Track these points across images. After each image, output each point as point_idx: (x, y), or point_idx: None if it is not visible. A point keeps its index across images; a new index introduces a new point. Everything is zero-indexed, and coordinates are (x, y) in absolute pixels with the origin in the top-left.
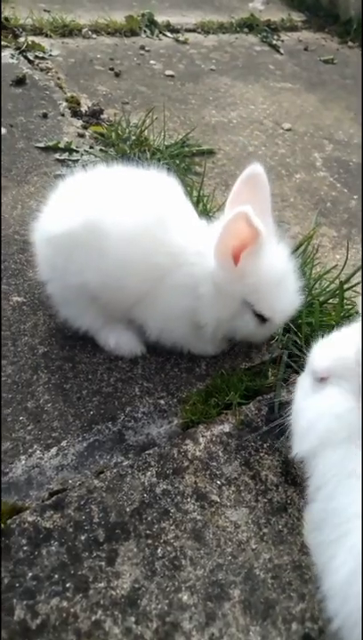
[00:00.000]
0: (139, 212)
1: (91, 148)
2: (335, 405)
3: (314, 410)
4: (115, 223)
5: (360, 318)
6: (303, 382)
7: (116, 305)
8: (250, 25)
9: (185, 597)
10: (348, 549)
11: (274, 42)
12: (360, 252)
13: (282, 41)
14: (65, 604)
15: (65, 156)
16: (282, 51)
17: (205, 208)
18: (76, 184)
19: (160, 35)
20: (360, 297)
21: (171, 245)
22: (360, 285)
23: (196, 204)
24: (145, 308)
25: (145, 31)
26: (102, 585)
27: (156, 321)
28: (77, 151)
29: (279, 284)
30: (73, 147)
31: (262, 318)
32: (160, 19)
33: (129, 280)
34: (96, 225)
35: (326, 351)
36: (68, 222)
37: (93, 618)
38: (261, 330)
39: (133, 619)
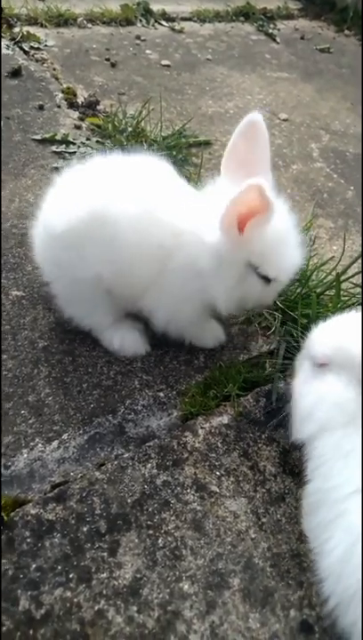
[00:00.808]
0: (140, 197)
1: (88, 139)
2: (335, 394)
3: (314, 396)
4: (120, 211)
5: (360, 308)
6: (303, 366)
7: (127, 295)
8: (246, 13)
9: (186, 586)
10: (343, 529)
11: (270, 30)
12: (357, 243)
13: (278, 29)
14: (68, 594)
15: (62, 148)
16: (278, 39)
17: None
18: (73, 178)
19: (156, 24)
20: (361, 288)
21: (172, 226)
22: (357, 277)
23: None
24: (153, 296)
25: (141, 20)
26: (105, 575)
27: (164, 309)
28: (74, 143)
29: (282, 243)
30: (70, 139)
31: (266, 279)
32: (156, 7)
33: (138, 265)
34: (102, 215)
35: (326, 337)
36: (74, 217)
37: (96, 607)
38: (267, 291)
39: (135, 608)
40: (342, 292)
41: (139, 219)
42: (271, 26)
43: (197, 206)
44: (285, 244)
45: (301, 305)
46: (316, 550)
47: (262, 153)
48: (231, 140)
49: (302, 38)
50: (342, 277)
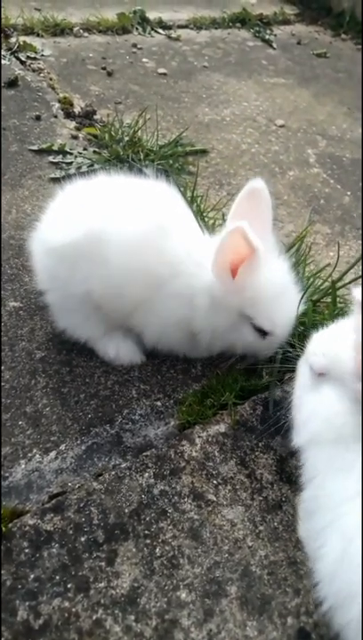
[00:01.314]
0: (140, 222)
1: (84, 149)
2: (328, 408)
3: (309, 407)
4: (117, 233)
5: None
6: (303, 371)
7: (116, 313)
8: (242, 19)
9: (183, 595)
10: (337, 533)
11: (267, 36)
12: (353, 249)
13: (275, 35)
14: (66, 604)
15: (59, 158)
16: (275, 45)
17: (199, 208)
18: (76, 193)
19: (152, 32)
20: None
21: (170, 255)
22: (353, 283)
23: (189, 203)
24: (143, 315)
25: (137, 28)
26: (103, 585)
27: (153, 328)
28: (71, 153)
29: (278, 297)
30: (67, 149)
31: (262, 332)
32: (152, 15)
33: (130, 288)
34: (98, 235)
35: (325, 347)
36: (71, 233)
37: (94, 617)
38: (263, 344)
39: (132, 617)
40: (337, 299)
41: (136, 243)
42: (268, 32)
43: (202, 241)
44: (280, 297)
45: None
46: (312, 555)
47: (263, 216)
48: (235, 202)
49: (298, 43)
50: (339, 284)
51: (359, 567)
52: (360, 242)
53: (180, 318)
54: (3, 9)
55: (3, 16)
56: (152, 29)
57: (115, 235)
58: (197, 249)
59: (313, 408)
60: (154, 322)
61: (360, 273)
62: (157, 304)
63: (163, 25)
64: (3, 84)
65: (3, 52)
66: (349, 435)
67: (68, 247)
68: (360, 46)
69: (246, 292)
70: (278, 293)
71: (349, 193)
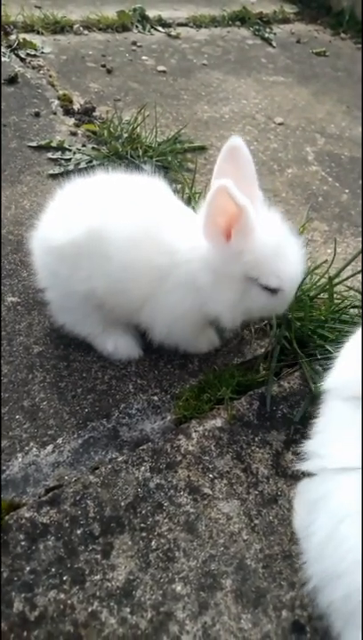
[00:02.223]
0: (137, 216)
1: (83, 146)
2: None
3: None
4: (117, 229)
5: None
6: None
7: (122, 309)
8: (242, 18)
9: (179, 588)
10: (326, 512)
11: (266, 35)
12: (351, 246)
13: (274, 33)
14: (62, 596)
15: (58, 154)
16: (274, 43)
17: (197, 205)
18: (75, 192)
19: (152, 29)
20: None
21: (167, 245)
22: (351, 280)
23: (187, 200)
24: (151, 311)
25: (137, 26)
26: (98, 577)
27: (163, 323)
28: (70, 150)
29: (277, 251)
30: (65, 145)
31: (271, 290)
32: (152, 13)
33: (133, 284)
34: (99, 232)
35: None
36: (71, 231)
37: (90, 609)
38: (275, 301)
39: (128, 609)
40: (334, 295)
41: (135, 238)
42: (267, 30)
43: (192, 225)
44: (279, 251)
45: (293, 308)
46: (302, 533)
47: (247, 173)
48: (216, 165)
49: (297, 42)
50: (336, 280)
51: (349, 549)
52: (358, 239)
53: (188, 308)
54: (3, 6)
55: (3, 13)
56: (152, 27)
57: (115, 231)
58: (190, 233)
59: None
60: (163, 316)
61: (358, 270)
62: (163, 298)
63: (163, 23)
64: (3, 81)
65: (3, 49)
66: None
67: (69, 245)
68: (359, 45)
69: (245, 254)
70: (276, 247)
71: (347, 191)
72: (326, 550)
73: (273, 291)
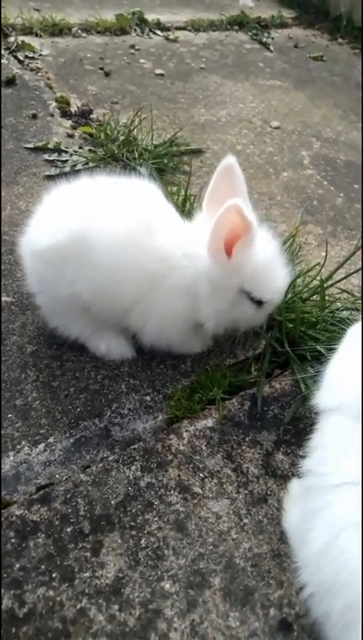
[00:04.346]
0: (124, 221)
1: (80, 148)
2: None
3: (353, 369)
4: (101, 233)
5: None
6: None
7: (108, 313)
8: (240, 22)
9: (167, 586)
10: (326, 522)
11: (264, 39)
12: (345, 250)
13: (272, 38)
14: (51, 593)
15: (54, 156)
16: (272, 48)
17: (192, 207)
18: (61, 196)
19: (150, 33)
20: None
21: (160, 251)
22: (343, 282)
23: (183, 202)
24: (141, 314)
25: (135, 30)
26: (87, 575)
27: (153, 325)
28: (66, 152)
29: (271, 266)
30: (62, 147)
31: (259, 303)
32: (150, 17)
33: (120, 288)
34: (83, 237)
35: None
36: (56, 236)
37: (79, 606)
38: (259, 314)
39: (116, 606)
40: (327, 298)
41: (121, 242)
42: (265, 34)
43: (186, 232)
44: (273, 266)
45: (283, 310)
46: (297, 538)
47: (240, 192)
48: (212, 180)
49: (295, 46)
50: (328, 282)
51: (349, 560)
52: (352, 242)
53: (180, 311)
54: (2, 9)
55: (2, 15)
56: (150, 31)
57: (99, 236)
58: (183, 240)
59: (357, 372)
60: (154, 319)
61: (350, 272)
62: (154, 301)
63: (161, 26)
64: (1, 83)
65: (1, 52)
66: None
67: (53, 250)
68: (356, 50)
69: (245, 268)
70: (270, 263)
71: (342, 194)
72: (324, 560)
73: (260, 303)
